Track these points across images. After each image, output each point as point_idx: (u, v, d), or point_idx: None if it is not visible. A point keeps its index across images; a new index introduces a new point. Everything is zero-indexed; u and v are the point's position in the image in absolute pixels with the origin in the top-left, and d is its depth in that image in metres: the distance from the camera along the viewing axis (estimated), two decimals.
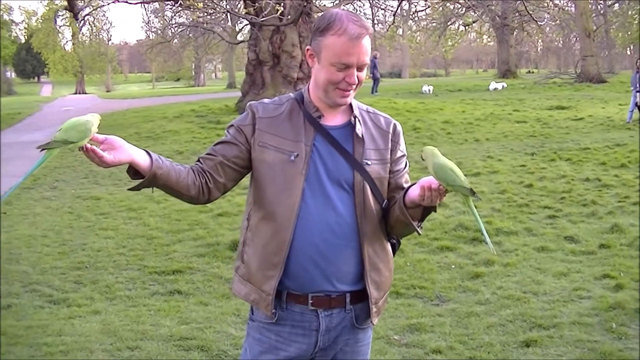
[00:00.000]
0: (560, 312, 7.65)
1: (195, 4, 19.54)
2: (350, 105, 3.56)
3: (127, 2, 29.79)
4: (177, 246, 10.64)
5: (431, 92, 44.61)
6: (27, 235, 11.35)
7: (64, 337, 7.18)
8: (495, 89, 45.39)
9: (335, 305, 3.47)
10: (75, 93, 79.00)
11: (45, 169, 17.89)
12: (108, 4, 23.41)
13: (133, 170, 3.26)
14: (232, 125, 3.55)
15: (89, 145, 3.09)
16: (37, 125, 31.92)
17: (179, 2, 22.02)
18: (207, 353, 6.82)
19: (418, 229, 3.49)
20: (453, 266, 9.46)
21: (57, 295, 8.51)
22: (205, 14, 25.10)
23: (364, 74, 3.44)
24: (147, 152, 3.27)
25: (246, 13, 19.53)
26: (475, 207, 3.40)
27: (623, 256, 9.61)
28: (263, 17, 18.00)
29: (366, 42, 3.35)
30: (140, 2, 33.33)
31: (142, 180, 3.26)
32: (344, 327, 3.54)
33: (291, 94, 3.63)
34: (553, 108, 30.98)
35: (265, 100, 3.62)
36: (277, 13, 16.75)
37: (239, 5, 24.66)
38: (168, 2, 35.71)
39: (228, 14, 28.83)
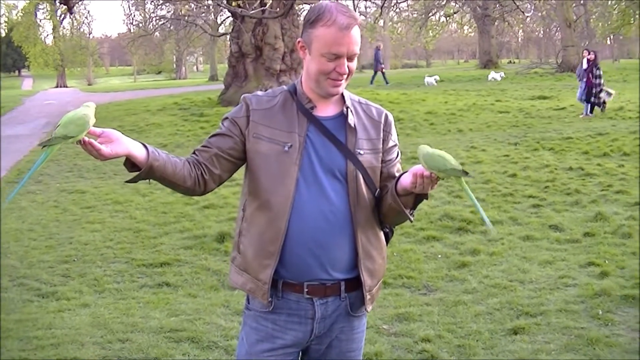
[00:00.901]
0: (546, 300, 7.72)
1: None
2: (343, 96, 3.62)
3: None
4: (164, 239, 10.65)
5: (436, 82, 43.69)
6: (13, 229, 11.34)
7: (54, 330, 7.20)
8: (493, 79, 44.93)
9: (330, 294, 3.53)
10: (57, 87, 78.58)
11: (29, 164, 17.88)
12: None
13: (130, 163, 3.32)
14: (226, 118, 3.60)
15: (86, 139, 3.14)
16: (20, 119, 31.74)
17: None
18: (198, 344, 6.85)
19: (410, 217, 3.54)
20: (439, 256, 9.52)
21: (45, 288, 8.52)
22: (191, 7, 25.18)
23: (355, 64, 3.50)
24: (143, 144, 3.32)
25: (235, 6, 19.53)
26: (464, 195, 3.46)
27: (607, 244, 9.70)
28: (253, 9, 18.05)
29: (355, 32, 3.41)
30: None
31: (139, 172, 3.31)
32: (339, 314, 3.59)
33: (284, 86, 3.68)
34: (535, 98, 31.09)
35: (259, 93, 3.67)
36: (266, 5, 16.79)
37: None
38: None
39: (215, 6, 28.77)
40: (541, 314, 7.34)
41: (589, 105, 25.29)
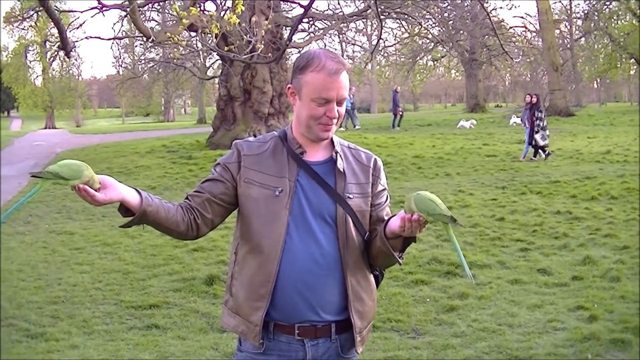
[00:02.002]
0: (535, 344, 7.73)
1: (179, 43, 19.65)
2: (332, 141, 3.69)
3: (99, 38, 29.79)
4: (153, 281, 10.63)
5: (472, 127, 42.58)
6: (2, 269, 11.30)
7: None
8: (515, 123, 43.35)
9: (321, 335, 3.57)
10: (45, 128, 78.65)
11: None
12: (81, 39, 23.52)
13: (124, 208, 3.40)
14: (218, 164, 3.68)
15: (81, 185, 3.21)
16: (7, 159, 31.71)
17: (151, 38, 22.00)
18: None
19: (399, 260, 3.60)
20: (428, 299, 9.52)
21: (34, 329, 8.48)
22: (183, 50, 25.26)
23: (344, 108, 3.58)
24: (137, 190, 3.41)
25: (227, 51, 19.64)
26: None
27: (596, 288, 9.70)
28: (245, 54, 18.16)
29: (344, 77, 3.51)
30: (113, 39, 33.29)
31: (132, 217, 3.37)
32: (329, 356, 3.63)
33: (275, 132, 3.76)
34: (522, 142, 31.06)
35: (250, 139, 3.76)
36: (258, 51, 16.90)
37: (210, 42, 24.72)
38: (138, 37, 35.70)
39: (203, 51, 28.86)
40: (530, 358, 7.35)
41: (529, 148, 25.39)
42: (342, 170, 3.62)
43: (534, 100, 25.62)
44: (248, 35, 17.27)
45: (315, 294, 3.51)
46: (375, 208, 3.73)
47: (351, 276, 3.58)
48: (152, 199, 3.43)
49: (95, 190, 3.30)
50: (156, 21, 42.53)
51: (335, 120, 3.55)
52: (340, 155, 3.67)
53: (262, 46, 18.44)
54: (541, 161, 24.76)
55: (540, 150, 25.28)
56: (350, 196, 3.60)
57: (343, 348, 3.66)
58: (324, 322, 3.56)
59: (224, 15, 17.01)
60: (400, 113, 46.27)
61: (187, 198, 3.64)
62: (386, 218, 3.66)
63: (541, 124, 24.90)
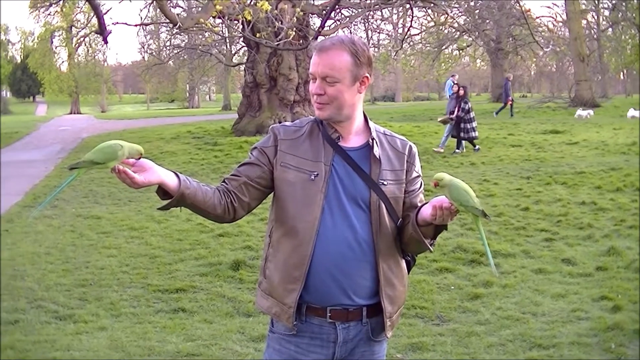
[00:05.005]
0: (559, 333, 7.75)
1: (212, 29, 19.67)
2: (369, 127, 3.73)
3: (126, 24, 29.90)
4: (179, 265, 10.72)
5: (590, 117, 39.57)
6: (30, 252, 11.42)
7: (73, 352, 7.28)
8: (633, 116, 38.91)
9: (352, 319, 3.61)
10: (70, 113, 78.93)
11: (45, 188, 18.00)
12: (108, 25, 23.55)
13: (162, 191, 3.44)
14: (255, 148, 3.72)
15: (120, 167, 3.26)
16: (34, 144, 31.93)
17: (177, 25, 22.08)
18: None
19: (430, 247, 3.64)
20: (452, 287, 9.57)
21: (62, 311, 8.59)
22: (214, 37, 25.26)
23: (336, 89, 3.55)
24: (175, 173, 3.46)
25: (259, 37, 19.65)
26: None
27: (620, 278, 9.70)
28: (277, 41, 18.14)
29: (333, 55, 3.53)
30: (140, 25, 33.35)
31: (170, 200, 3.43)
32: (360, 339, 3.67)
33: (311, 117, 3.79)
34: (547, 132, 30.92)
35: (287, 123, 3.80)
36: (289, 37, 16.88)
37: (236, 28, 24.74)
38: (165, 24, 35.79)
39: (230, 36, 28.88)
40: (554, 347, 7.38)
41: (448, 139, 25.24)
42: (377, 156, 3.64)
43: (461, 92, 25.24)
44: (279, 22, 17.27)
45: (348, 278, 3.55)
46: (409, 194, 3.76)
47: (383, 261, 3.62)
48: (190, 181, 3.47)
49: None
50: (182, 7, 42.63)
51: (319, 98, 3.58)
52: (376, 142, 3.69)
53: (293, 33, 18.43)
54: (471, 152, 24.70)
55: (470, 143, 25.06)
56: (385, 183, 3.63)
57: (373, 332, 3.70)
58: (355, 305, 3.60)
59: (251, 1, 16.99)
60: (511, 102, 45.13)
61: (224, 181, 3.68)
62: (419, 204, 3.69)
63: (468, 117, 24.63)
